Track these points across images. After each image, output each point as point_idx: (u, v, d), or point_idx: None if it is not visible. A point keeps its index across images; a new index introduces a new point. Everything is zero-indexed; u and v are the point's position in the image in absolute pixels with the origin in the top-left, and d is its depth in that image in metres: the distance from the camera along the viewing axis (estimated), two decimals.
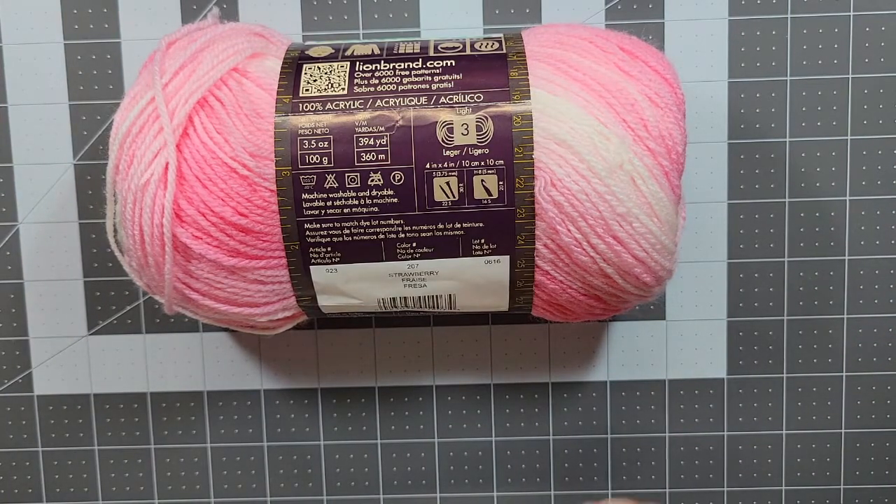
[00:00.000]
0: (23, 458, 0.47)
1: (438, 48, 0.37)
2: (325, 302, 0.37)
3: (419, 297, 0.37)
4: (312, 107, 0.35)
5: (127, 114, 0.35)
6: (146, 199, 0.35)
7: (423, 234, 0.35)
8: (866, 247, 0.44)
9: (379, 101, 0.35)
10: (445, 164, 0.34)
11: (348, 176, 0.34)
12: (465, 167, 0.34)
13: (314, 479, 0.47)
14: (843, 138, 0.44)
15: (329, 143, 0.34)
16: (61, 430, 0.46)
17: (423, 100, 0.35)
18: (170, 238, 0.35)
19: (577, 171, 0.34)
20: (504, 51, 0.36)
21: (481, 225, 0.35)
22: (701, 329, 0.45)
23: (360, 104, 0.35)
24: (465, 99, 0.35)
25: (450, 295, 0.37)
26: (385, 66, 0.36)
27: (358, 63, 0.36)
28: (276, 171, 0.34)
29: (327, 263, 0.36)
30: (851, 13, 0.43)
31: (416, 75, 0.35)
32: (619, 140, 0.34)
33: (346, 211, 0.35)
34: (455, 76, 0.35)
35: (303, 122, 0.34)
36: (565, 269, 0.36)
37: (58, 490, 0.47)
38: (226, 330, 0.46)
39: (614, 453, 0.46)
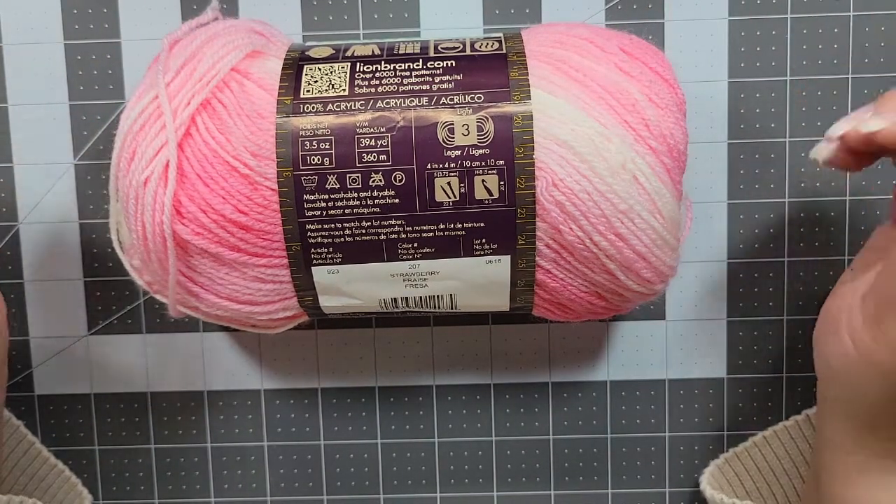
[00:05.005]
0: None
1: (438, 48, 0.37)
2: (327, 303, 0.37)
3: (420, 298, 0.37)
4: (313, 108, 0.35)
5: (130, 112, 0.35)
6: (147, 196, 0.35)
7: (425, 235, 0.35)
8: None
9: (380, 102, 0.35)
10: (446, 165, 0.34)
11: (349, 177, 0.34)
12: (466, 167, 0.34)
13: (314, 479, 0.47)
14: None
15: (330, 144, 0.34)
16: (61, 430, 0.46)
17: (423, 100, 0.35)
18: (170, 234, 0.35)
19: (579, 171, 0.34)
20: (504, 51, 0.36)
21: (482, 225, 0.35)
22: (701, 329, 0.45)
23: (360, 105, 0.35)
24: (465, 99, 0.35)
25: (451, 295, 0.37)
26: (385, 67, 0.36)
27: (358, 64, 0.36)
28: (278, 171, 0.34)
29: (329, 264, 0.36)
30: (851, 13, 0.43)
31: (416, 76, 0.35)
32: (619, 140, 0.34)
33: (347, 212, 0.35)
34: (455, 76, 0.35)
35: (304, 123, 0.35)
36: (567, 267, 0.36)
37: None
38: (226, 330, 0.46)
39: (614, 453, 0.46)
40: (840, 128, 0.34)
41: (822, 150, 0.34)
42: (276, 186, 0.35)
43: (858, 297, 0.34)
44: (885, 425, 0.34)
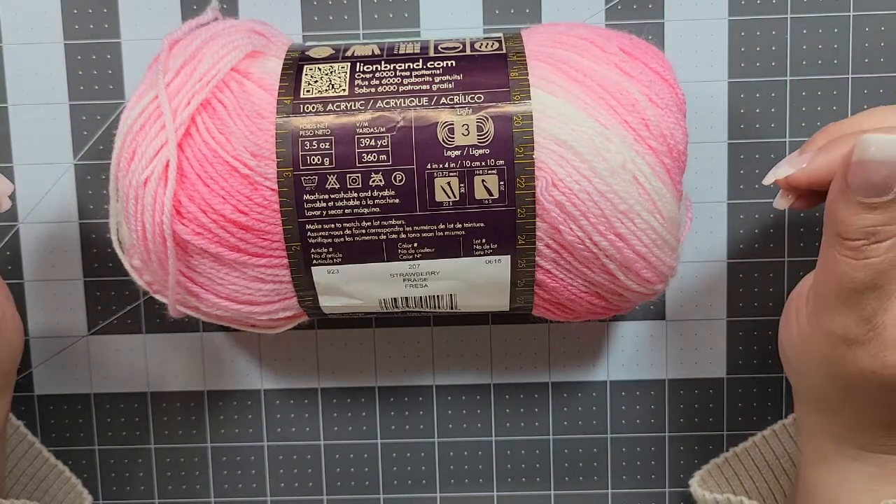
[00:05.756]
0: None
1: (438, 48, 0.37)
2: (327, 303, 0.37)
3: (420, 298, 0.37)
4: (313, 108, 0.35)
5: (130, 112, 0.35)
6: (147, 196, 0.35)
7: (425, 235, 0.35)
8: None
9: (380, 102, 0.35)
10: (446, 165, 0.34)
11: (349, 177, 0.34)
12: (466, 167, 0.34)
13: (314, 479, 0.47)
14: None
15: (330, 144, 0.34)
16: (61, 430, 0.46)
17: (423, 100, 0.35)
18: (170, 234, 0.35)
19: (579, 171, 0.34)
20: (504, 51, 0.36)
21: (482, 225, 0.35)
22: (701, 329, 0.45)
23: (360, 105, 0.35)
24: (465, 99, 0.35)
25: (450, 295, 0.37)
26: (385, 67, 0.36)
27: (358, 64, 0.36)
28: (278, 171, 0.34)
29: (329, 264, 0.36)
30: (851, 13, 0.43)
31: (416, 76, 0.35)
32: (619, 140, 0.34)
33: (347, 212, 0.35)
34: (455, 76, 0.35)
35: (304, 123, 0.35)
36: (567, 267, 0.36)
37: None
38: (226, 330, 0.46)
39: (614, 453, 0.46)
40: (767, 179, 0.36)
41: (779, 202, 0.37)
42: (276, 186, 0.35)
43: (807, 285, 0.36)
44: (838, 411, 0.36)
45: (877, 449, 0.35)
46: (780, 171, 0.35)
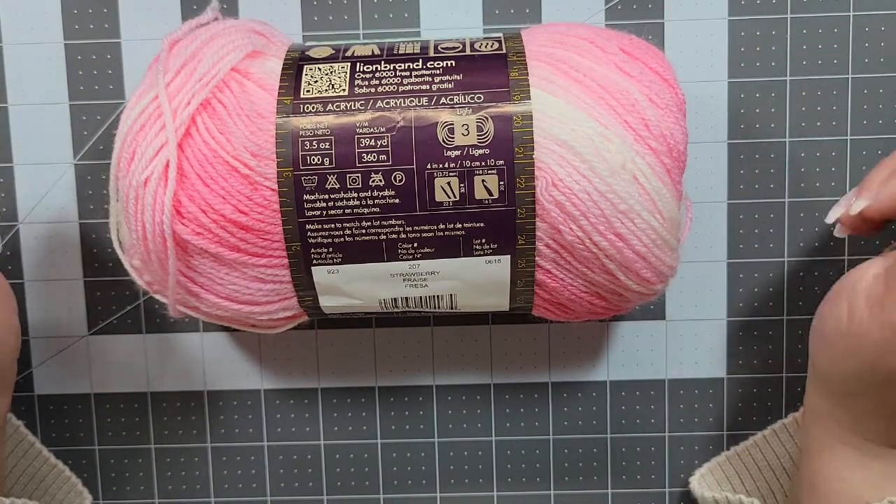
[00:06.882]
0: None
1: (438, 48, 0.37)
2: (327, 303, 0.37)
3: (420, 297, 0.37)
4: (313, 108, 0.35)
5: (130, 112, 0.35)
6: (147, 196, 0.35)
7: (425, 235, 0.35)
8: (865, 247, 0.44)
9: (380, 102, 0.35)
10: (446, 165, 0.34)
11: (349, 177, 0.34)
12: (466, 167, 0.34)
13: (314, 479, 0.47)
14: (843, 138, 0.44)
15: (330, 144, 0.34)
16: (61, 430, 0.46)
17: (423, 100, 0.35)
18: (170, 234, 0.35)
19: (579, 171, 0.34)
20: (504, 51, 0.36)
21: (482, 225, 0.35)
22: (701, 329, 0.45)
23: (360, 105, 0.35)
24: (465, 99, 0.35)
25: (450, 295, 0.37)
26: (385, 67, 0.36)
27: (358, 64, 0.36)
28: (278, 171, 0.34)
29: (329, 264, 0.36)
30: (851, 13, 0.43)
31: (416, 76, 0.35)
32: (619, 140, 0.34)
33: (347, 212, 0.35)
34: (455, 76, 0.35)
35: (304, 123, 0.35)
36: (567, 267, 0.36)
37: None
38: (226, 330, 0.46)
39: (614, 453, 0.46)
40: (833, 215, 0.39)
41: (839, 230, 0.39)
42: (276, 186, 0.35)
43: (869, 274, 0.36)
44: (857, 395, 0.36)
45: (883, 441, 0.36)
46: (853, 208, 0.37)
